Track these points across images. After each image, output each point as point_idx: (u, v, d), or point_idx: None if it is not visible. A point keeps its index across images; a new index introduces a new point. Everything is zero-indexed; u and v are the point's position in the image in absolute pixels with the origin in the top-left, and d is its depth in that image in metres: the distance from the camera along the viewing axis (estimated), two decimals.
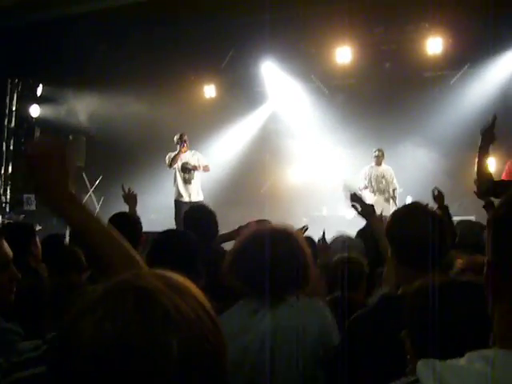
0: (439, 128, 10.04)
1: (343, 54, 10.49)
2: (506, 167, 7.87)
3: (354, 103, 11.18)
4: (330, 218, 10.17)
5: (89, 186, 12.01)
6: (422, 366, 0.99)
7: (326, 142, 11.27)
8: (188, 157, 9.34)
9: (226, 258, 2.38)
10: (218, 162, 10.41)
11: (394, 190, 9.68)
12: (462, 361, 1.02)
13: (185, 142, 9.27)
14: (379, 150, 9.82)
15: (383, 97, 10.98)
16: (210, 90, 11.79)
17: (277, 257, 2.20)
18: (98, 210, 11.78)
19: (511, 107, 10.07)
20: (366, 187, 9.72)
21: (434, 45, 9.99)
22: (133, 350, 0.78)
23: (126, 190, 5.00)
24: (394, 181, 9.74)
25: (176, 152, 9.20)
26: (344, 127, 10.90)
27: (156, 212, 10.67)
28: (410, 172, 10.10)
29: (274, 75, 11.54)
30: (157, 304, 0.82)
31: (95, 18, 9.56)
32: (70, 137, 11.46)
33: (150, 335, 0.79)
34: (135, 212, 4.76)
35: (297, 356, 2.09)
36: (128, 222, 3.44)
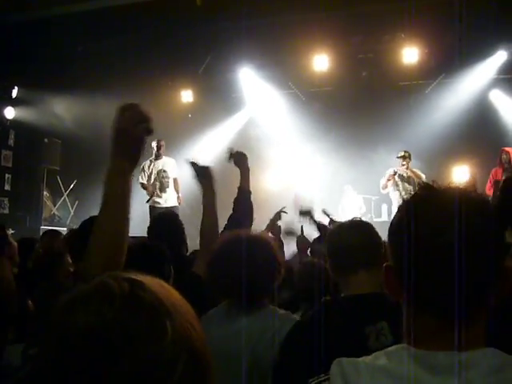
0: (414, 136, 10.16)
1: (321, 62, 10.56)
2: (490, 176, 7.94)
3: (331, 111, 11.27)
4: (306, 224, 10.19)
5: (63, 189, 11.89)
6: (333, 365, 1.13)
7: (303, 148, 11.32)
8: (165, 163, 9.34)
9: (205, 266, 2.41)
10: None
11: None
12: (368, 358, 1.13)
13: (160, 147, 9.30)
14: (405, 151, 9.56)
15: (360, 105, 11.07)
16: (187, 95, 11.77)
17: (252, 264, 2.22)
18: (72, 213, 11.67)
19: (485, 117, 10.27)
20: (385, 187, 9.51)
21: (410, 55, 10.12)
22: (130, 334, 0.79)
23: None
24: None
25: (151, 160, 9.24)
26: (321, 134, 10.97)
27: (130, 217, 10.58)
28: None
29: (251, 81, 11.56)
30: (150, 292, 0.84)
31: (72, 21, 9.49)
32: (45, 140, 11.33)
33: (146, 318, 0.81)
34: None
35: (271, 359, 2.11)
36: None
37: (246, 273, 2.16)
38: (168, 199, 9.15)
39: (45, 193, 11.61)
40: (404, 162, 9.44)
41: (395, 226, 1.17)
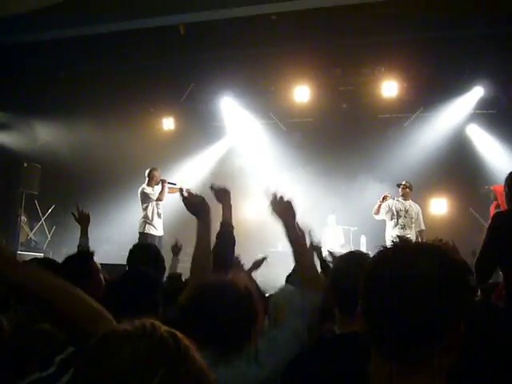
0: (393, 168, 10.27)
1: (301, 93, 10.70)
2: (498, 195, 7.59)
3: (312, 141, 11.36)
4: (285, 254, 10.14)
5: (41, 214, 11.77)
6: None
7: (283, 178, 11.37)
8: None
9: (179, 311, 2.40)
10: (174, 195, 10.36)
11: (419, 232, 8.88)
12: None
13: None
14: (406, 182, 9.09)
15: (340, 136, 11.19)
16: (168, 123, 11.81)
17: (227, 313, 2.20)
18: (49, 238, 11.54)
19: (461, 151, 10.44)
20: (377, 212, 8.95)
21: (389, 88, 10.31)
22: None
23: (80, 209, 4.98)
24: (420, 221, 8.98)
25: (161, 187, 9.14)
26: (301, 164, 11.04)
27: (110, 243, 10.51)
28: (363, 210, 10.26)
29: (232, 110, 11.65)
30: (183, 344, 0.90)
31: (54, 47, 9.52)
32: (25, 164, 11.25)
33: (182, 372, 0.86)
34: (87, 232, 4.74)
35: None
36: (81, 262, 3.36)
37: (221, 322, 2.14)
38: (160, 228, 9.10)
39: (22, 217, 11.47)
40: (402, 192, 8.99)
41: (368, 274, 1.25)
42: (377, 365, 1.14)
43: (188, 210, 3.09)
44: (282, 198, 2.79)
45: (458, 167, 10.02)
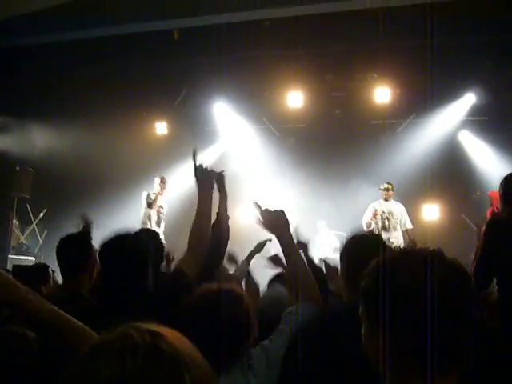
0: (385, 173, 10.29)
1: (295, 99, 10.72)
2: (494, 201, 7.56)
3: (305, 147, 11.38)
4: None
5: (33, 218, 11.71)
6: None
7: (276, 183, 11.38)
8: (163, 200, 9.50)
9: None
10: (167, 199, 10.35)
11: (406, 230, 8.94)
12: None
13: (164, 184, 9.52)
14: (388, 183, 9.21)
15: (333, 142, 11.21)
16: (161, 127, 11.80)
17: (222, 323, 2.19)
18: (40, 242, 11.48)
19: (453, 157, 10.48)
20: (369, 225, 9.00)
21: (382, 94, 10.35)
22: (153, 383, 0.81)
23: (85, 218, 4.93)
24: (405, 220, 9.01)
25: (156, 193, 9.32)
26: (294, 170, 11.05)
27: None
28: (356, 216, 10.28)
29: (225, 116, 11.65)
30: (170, 344, 0.86)
31: (48, 51, 9.50)
32: (17, 168, 11.20)
33: (167, 371, 0.82)
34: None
35: None
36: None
37: (217, 332, 2.13)
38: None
39: (14, 221, 11.41)
40: (385, 195, 9.11)
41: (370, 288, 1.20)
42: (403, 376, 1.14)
43: (195, 179, 3.11)
44: (270, 210, 2.77)
45: (450, 173, 10.05)
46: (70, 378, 0.84)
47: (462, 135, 10.96)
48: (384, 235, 8.57)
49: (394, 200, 9.29)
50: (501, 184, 4.26)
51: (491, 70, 9.57)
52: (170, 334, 0.89)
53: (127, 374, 0.80)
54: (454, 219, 9.28)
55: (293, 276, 2.64)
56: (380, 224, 8.98)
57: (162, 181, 9.55)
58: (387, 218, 8.97)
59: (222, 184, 3.51)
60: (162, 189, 9.51)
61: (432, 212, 10.52)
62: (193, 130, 11.89)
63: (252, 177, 11.65)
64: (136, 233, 2.99)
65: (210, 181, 3.11)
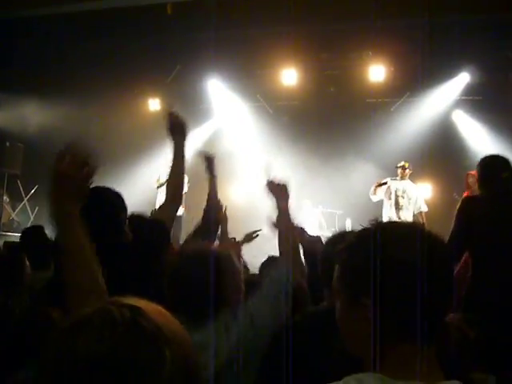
0: (379, 152, 10.32)
1: (289, 76, 10.66)
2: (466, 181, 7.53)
3: (298, 124, 11.34)
4: (271, 237, 10.15)
5: (23, 194, 11.65)
6: None
7: (269, 161, 11.34)
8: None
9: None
10: (160, 177, 10.32)
11: (420, 213, 8.70)
12: None
13: None
14: (405, 162, 8.92)
15: (327, 120, 11.18)
16: (154, 104, 11.71)
17: (211, 280, 2.22)
18: (32, 219, 11.44)
19: (447, 136, 10.49)
20: (374, 193, 8.71)
21: (377, 73, 10.30)
22: (131, 362, 0.80)
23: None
24: (420, 203, 8.78)
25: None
26: (287, 147, 11.02)
27: None
28: (349, 194, 10.29)
29: (219, 93, 11.57)
30: (150, 319, 0.85)
31: (39, 25, 9.37)
32: (7, 143, 11.10)
33: (146, 346, 0.81)
34: None
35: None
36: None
37: (206, 288, 2.15)
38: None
39: (4, 197, 11.36)
40: (401, 173, 8.81)
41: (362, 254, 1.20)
42: (389, 351, 1.15)
43: (168, 128, 3.18)
44: (278, 180, 2.98)
45: (443, 152, 10.07)
46: (48, 354, 0.83)
47: (456, 114, 10.96)
48: (395, 213, 8.56)
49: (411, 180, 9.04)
50: (478, 165, 4.32)
51: (486, 50, 9.54)
52: (151, 309, 0.88)
53: (105, 351, 0.79)
54: (446, 198, 9.30)
55: (285, 240, 2.75)
56: (393, 200, 8.76)
57: None
58: (402, 196, 8.77)
59: (211, 167, 3.52)
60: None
61: (424, 191, 10.54)
62: (186, 107, 11.80)
63: (245, 154, 11.64)
64: (109, 188, 3.01)
65: (182, 129, 3.16)
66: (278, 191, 2.96)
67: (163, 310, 0.91)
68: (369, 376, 1.14)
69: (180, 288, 2.25)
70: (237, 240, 4.33)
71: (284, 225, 2.80)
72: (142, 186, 10.48)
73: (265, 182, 2.99)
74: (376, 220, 1.25)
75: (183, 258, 2.35)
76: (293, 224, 2.88)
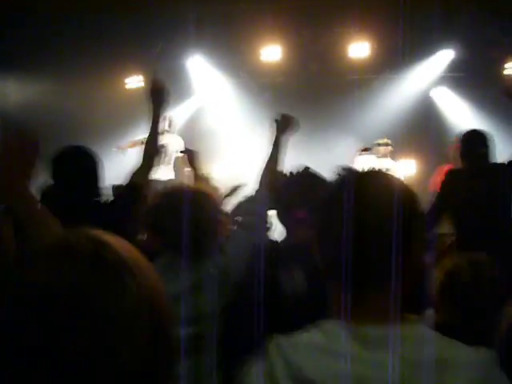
0: (362, 128, 10.34)
1: (272, 52, 10.59)
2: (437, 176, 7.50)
3: (282, 101, 11.28)
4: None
5: None
6: (270, 343, 1.19)
7: (253, 138, 11.32)
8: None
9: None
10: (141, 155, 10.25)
11: None
12: (304, 335, 1.19)
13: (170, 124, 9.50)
14: (387, 138, 8.64)
15: (310, 96, 11.14)
16: (136, 81, 11.56)
17: (194, 217, 2.25)
18: None
19: (429, 113, 10.51)
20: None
21: (359, 49, 10.27)
22: (92, 294, 0.79)
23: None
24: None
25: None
26: (270, 123, 10.97)
27: None
28: (332, 168, 10.28)
29: (201, 69, 11.47)
30: (113, 251, 0.84)
31: (16, 2, 9.18)
32: None
33: (109, 278, 0.81)
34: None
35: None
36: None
37: (189, 225, 2.16)
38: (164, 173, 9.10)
39: None
40: (384, 152, 8.61)
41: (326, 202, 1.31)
42: (344, 299, 1.18)
43: (148, 92, 3.27)
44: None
45: (426, 128, 10.10)
46: (4, 286, 0.81)
47: (439, 91, 10.97)
48: None
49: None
50: (461, 136, 4.41)
51: (470, 25, 9.51)
52: (115, 242, 0.86)
53: (66, 282, 0.78)
54: (430, 174, 9.35)
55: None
56: None
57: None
58: None
59: (195, 163, 3.57)
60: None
61: (408, 167, 10.60)
62: (168, 84, 11.66)
63: (229, 131, 11.59)
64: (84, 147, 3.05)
65: (162, 94, 3.21)
66: (287, 125, 3.41)
67: (128, 244, 0.90)
68: (330, 323, 1.19)
69: (167, 227, 2.29)
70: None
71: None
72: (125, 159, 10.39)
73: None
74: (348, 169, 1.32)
75: (169, 195, 2.43)
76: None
